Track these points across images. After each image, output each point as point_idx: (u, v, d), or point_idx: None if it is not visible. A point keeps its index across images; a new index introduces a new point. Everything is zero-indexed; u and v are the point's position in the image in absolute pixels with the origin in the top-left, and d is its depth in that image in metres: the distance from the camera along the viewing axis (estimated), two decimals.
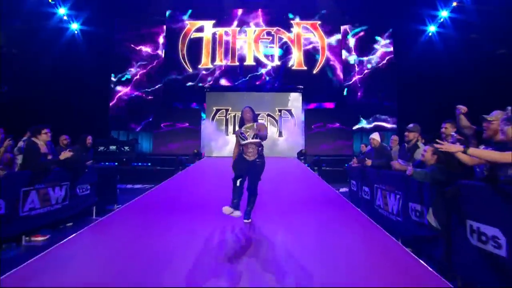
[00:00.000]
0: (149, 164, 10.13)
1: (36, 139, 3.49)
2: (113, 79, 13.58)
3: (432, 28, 11.15)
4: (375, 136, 3.79)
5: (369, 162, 3.39)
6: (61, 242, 2.58)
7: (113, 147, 10.98)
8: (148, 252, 2.32)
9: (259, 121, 3.13)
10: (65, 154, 3.52)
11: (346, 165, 5.11)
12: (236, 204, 2.80)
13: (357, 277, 1.83)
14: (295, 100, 13.85)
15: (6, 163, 3.33)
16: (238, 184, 2.81)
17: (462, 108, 2.45)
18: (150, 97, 13.65)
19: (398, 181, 2.86)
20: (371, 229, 2.94)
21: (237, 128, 2.99)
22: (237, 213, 2.76)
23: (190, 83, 14.06)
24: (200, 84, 14.08)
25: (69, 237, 2.76)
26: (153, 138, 12.13)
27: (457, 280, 2.10)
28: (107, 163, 8.31)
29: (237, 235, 2.72)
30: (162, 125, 12.36)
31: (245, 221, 2.95)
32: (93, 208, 4.40)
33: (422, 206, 2.53)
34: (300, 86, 14.15)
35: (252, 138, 2.85)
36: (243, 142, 2.88)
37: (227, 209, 2.72)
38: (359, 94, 13.88)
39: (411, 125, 3.11)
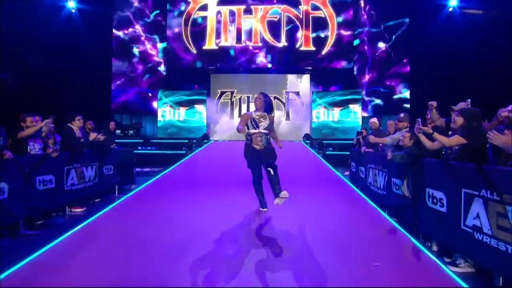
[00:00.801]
0: (155, 148, 11.05)
1: (71, 125, 4.34)
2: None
3: (453, 3, 11.27)
4: (374, 119, 4.54)
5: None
6: (101, 212, 3.45)
7: (118, 131, 11.82)
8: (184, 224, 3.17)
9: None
10: (93, 136, 4.38)
11: (353, 149, 5.83)
12: (264, 203, 3.19)
13: (346, 241, 2.63)
14: (303, 81, 14.34)
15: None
16: (256, 180, 3.02)
17: (433, 104, 3.10)
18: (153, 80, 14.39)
19: (384, 160, 3.61)
20: (361, 202, 3.75)
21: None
22: (266, 210, 3.16)
23: (193, 65, 14.67)
24: (204, 66, 14.67)
25: (112, 206, 3.68)
26: (157, 123, 12.91)
27: (420, 236, 2.91)
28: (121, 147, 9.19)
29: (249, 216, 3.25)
30: (163, 109, 12.95)
31: (282, 194, 2.66)
32: (115, 186, 5.33)
33: (400, 180, 3.29)
34: (308, 68, 14.57)
35: (264, 129, 2.92)
36: (253, 131, 2.87)
37: (261, 210, 3.12)
38: (370, 75, 14.23)
39: (401, 115, 3.81)
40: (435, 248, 2.75)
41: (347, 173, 6.54)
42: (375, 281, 1.95)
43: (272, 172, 2.83)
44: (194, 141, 9.91)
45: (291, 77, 14.66)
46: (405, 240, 2.72)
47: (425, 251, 2.50)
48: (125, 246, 2.47)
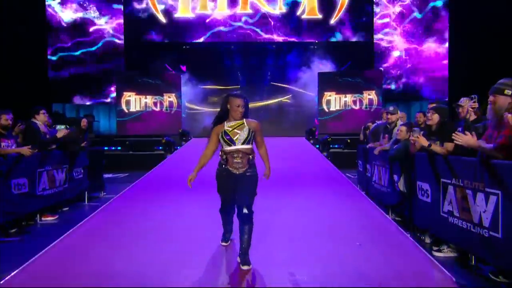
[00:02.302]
0: (119, 148, 12.03)
1: (35, 120, 5.36)
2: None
3: None
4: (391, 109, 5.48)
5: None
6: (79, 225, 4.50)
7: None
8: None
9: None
10: (62, 132, 5.40)
11: (359, 145, 7.05)
12: (228, 236, 3.29)
13: (340, 237, 3.82)
14: (307, 59, 15.56)
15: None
16: (226, 210, 3.02)
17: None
18: (106, 62, 15.21)
19: (386, 157, 4.82)
20: (363, 202, 4.97)
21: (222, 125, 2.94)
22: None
23: (163, 40, 15.56)
24: (177, 40, 15.65)
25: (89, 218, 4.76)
26: (117, 115, 13.75)
27: (415, 231, 4.13)
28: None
29: None
30: (125, 97, 13.76)
31: (243, 267, 2.72)
32: (85, 193, 6.37)
33: (397, 176, 4.51)
34: (314, 41, 15.78)
35: (243, 144, 2.76)
36: (228, 149, 2.79)
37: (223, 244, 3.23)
38: (393, 52, 15.58)
39: (391, 108, 5.03)
40: (427, 240, 3.96)
41: (354, 175, 7.77)
42: (359, 258, 3.13)
43: (244, 223, 2.75)
44: (168, 138, 10.94)
45: (292, 54, 15.86)
46: (392, 229, 3.93)
47: (414, 241, 3.71)
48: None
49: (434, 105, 4.02)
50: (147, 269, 2.91)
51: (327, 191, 5.50)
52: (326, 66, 15.51)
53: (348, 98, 14.32)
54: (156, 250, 3.35)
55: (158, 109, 13.81)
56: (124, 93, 13.70)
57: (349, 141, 10.02)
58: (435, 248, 3.69)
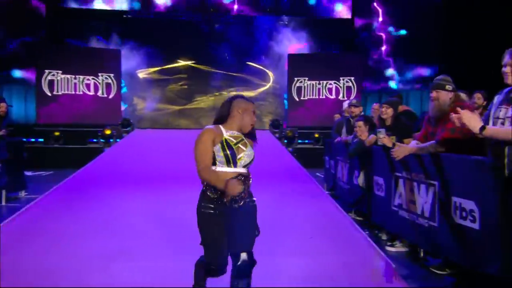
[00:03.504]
0: (40, 140, 12.14)
1: None
2: None
3: None
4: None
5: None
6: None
7: None
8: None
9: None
10: None
11: (326, 140, 7.91)
12: None
13: (292, 232, 4.56)
14: (279, 37, 16.31)
15: None
16: (217, 269, 2.57)
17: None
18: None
19: (347, 152, 5.66)
20: (322, 200, 5.79)
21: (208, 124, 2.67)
22: None
23: (94, 6, 15.57)
24: (118, 10, 15.76)
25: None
26: (37, 99, 13.68)
27: (373, 228, 4.98)
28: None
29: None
30: (47, 77, 13.64)
31: None
32: (2, 192, 6.69)
33: (358, 171, 5.36)
34: (284, 17, 16.58)
35: (244, 167, 2.52)
36: (225, 170, 2.45)
37: None
38: (379, 29, 16.69)
39: (354, 101, 5.89)
40: (384, 237, 4.82)
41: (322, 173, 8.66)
42: (310, 251, 3.90)
43: (241, 276, 2.44)
44: (109, 128, 11.27)
45: (259, 30, 16.50)
46: (347, 224, 4.76)
47: (365, 235, 4.55)
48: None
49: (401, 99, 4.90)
50: (85, 266, 3.47)
51: (286, 190, 6.24)
52: (299, 47, 16.29)
53: (323, 86, 15.23)
54: (95, 246, 3.92)
55: (92, 92, 13.98)
56: (46, 71, 13.67)
57: (317, 135, 10.90)
58: (388, 244, 4.54)
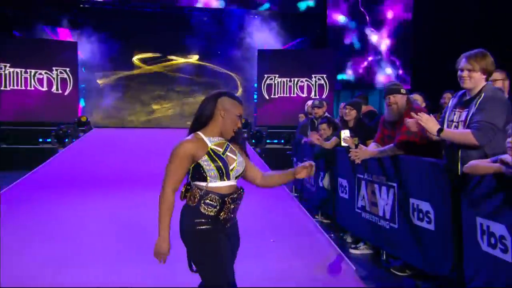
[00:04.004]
0: None
1: None
2: None
3: None
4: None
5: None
6: None
7: None
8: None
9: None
10: None
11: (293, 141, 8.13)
12: None
13: (255, 235, 4.71)
14: (248, 31, 16.44)
15: None
16: None
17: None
18: None
19: (312, 153, 5.87)
20: (287, 203, 5.98)
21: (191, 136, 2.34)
22: None
23: None
24: None
25: None
26: None
27: (338, 231, 5.21)
28: None
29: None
30: None
31: None
32: None
33: (324, 173, 5.57)
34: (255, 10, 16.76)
35: (237, 178, 2.38)
36: (224, 184, 2.28)
37: None
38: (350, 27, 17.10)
39: (317, 102, 6.11)
40: (349, 239, 5.05)
41: None
42: (270, 254, 4.06)
43: None
44: (64, 128, 11.10)
45: (226, 25, 16.61)
46: (310, 227, 4.97)
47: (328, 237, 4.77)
48: None
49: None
50: (34, 272, 3.51)
51: (250, 192, 6.32)
52: (269, 42, 16.49)
53: (294, 83, 15.49)
54: (45, 252, 3.95)
55: (45, 88, 13.69)
56: None
57: (285, 136, 11.11)
58: (352, 246, 4.77)
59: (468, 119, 3.10)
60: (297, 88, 15.50)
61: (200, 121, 2.34)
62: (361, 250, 4.70)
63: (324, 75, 15.48)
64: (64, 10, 15.20)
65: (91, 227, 4.84)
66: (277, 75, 15.42)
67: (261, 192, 6.76)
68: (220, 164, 2.25)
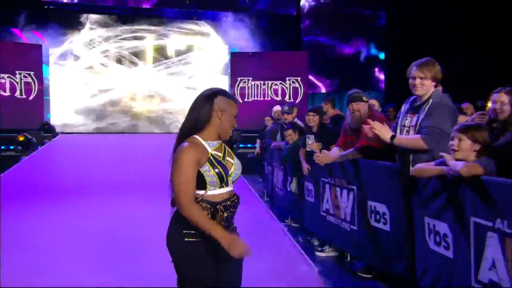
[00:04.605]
0: None
1: None
2: None
3: None
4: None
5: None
6: None
7: None
8: None
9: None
10: None
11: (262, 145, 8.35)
12: None
13: None
14: (212, 35, 16.67)
15: None
16: None
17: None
18: None
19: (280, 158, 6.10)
20: (256, 207, 6.19)
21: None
22: None
23: None
24: None
25: None
26: None
27: (306, 234, 5.44)
28: None
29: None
30: None
31: None
32: None
33: (291, 177, 5.81)
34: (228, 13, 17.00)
35: (235, 181, 2.33)
36: (216, 193, 2.21)
37: None
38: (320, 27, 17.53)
39: (286, 108, 6.37)
40: (316, 242, 5.28)
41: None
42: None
43: None
44: (27, 134, 11.01)
45: (192, 26, 16.74)
46: (277, 231, 5.19)
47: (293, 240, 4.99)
48: None
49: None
50: None
51: None
52: (242, 44, 16.73)
53: (268, 86, 15.75)
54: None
55: (7, 93, 13.55)
56: None
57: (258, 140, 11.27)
58: (318, 249, 5.01)
59: (418, 124, 3.38)
60: (271, 91, 15.75)
61: (196, 125, 2.21)
62: (327, 252, 4.93)
63: (299, 78, 15.79)
64: (29, 11, 15.07)
65: (50, 236, 4.92)
66: (250, 78, 15.64)
67: None
68: (221, 170, 2.17)
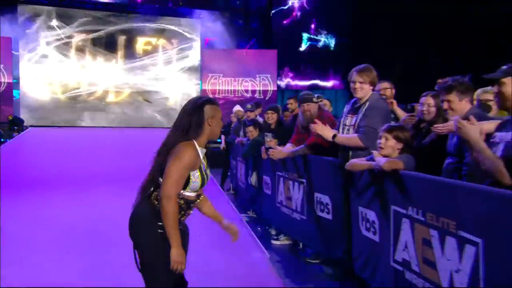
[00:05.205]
0: None
1: None
2: None
3: None
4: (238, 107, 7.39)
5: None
6: None
7: None
8: None
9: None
10: None
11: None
12: None
13: None
14: (189, 28, 16.74)
15: None
16: None
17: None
18: None
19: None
20: (218, 199, 6.47)
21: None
22: None
23: None
24: None
25: None
26: None
27: (264, 225, 5.77)
28: None
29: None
30: None
31: None
32: None
33: (252, 171, 6.12)
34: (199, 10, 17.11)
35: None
36: (192, 195, 2.42)
37: None
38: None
39: (249, 106, 6.69)
40: (273, 232, 5.62)
41: None
42: (197, 247, 4.52)
43: None
44: None
45: (165, 21, 16.80)
46: (236, 220, 5.50)
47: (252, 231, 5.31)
48: None
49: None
50: None
51: None
52: (214, 41, 16.89)
53: (239, 83, 16.02)
54: None
55: None
56: None
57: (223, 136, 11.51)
58: (274, 238, 5.34)
59: (356, 124, 3.73)
60: (241, 88, 16.03)
61: (187, 132, 2.32)
62: (282, 241, 5.27)
63: (268, 75, 16.12)
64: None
65: (15, 228, 5.07)
66: (221, 75, 15.87)
67: None
68: (205, 178, 2.38)
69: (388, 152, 3.11)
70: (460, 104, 3.07)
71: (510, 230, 1.96)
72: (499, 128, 2.42)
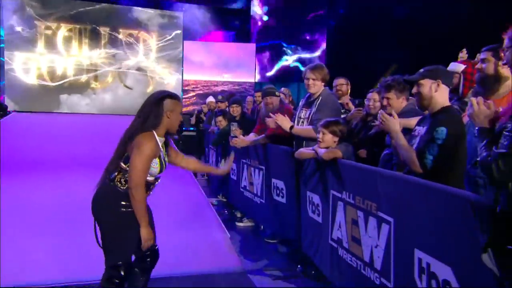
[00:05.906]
0: None
1: None
2: None
3: None
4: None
5: None
6: None
7: None
8: None
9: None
10: None
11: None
12: None
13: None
14: (171, 20, 16.76)
15: None
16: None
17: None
18: None
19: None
20: (188, 185, 6.70)
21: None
22: None
23: None
24: None
25: None
26: None
27: (232, 209, 6.02)
28: None
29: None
30: None
31: None
32: None
33: (221, 158, 6.35)
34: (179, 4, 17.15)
35: None
36: (152, 179, 2.63)
37: None
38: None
39: (220, 97, 6.95)
40: (239, 215, 5.87)
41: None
42: (164, 229, 4.75)
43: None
44: None
45: (147, 13, 16.80)
46: (203, 206, 5.75)
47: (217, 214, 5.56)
48: None
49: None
50: None
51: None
52: (194, 34, 16.95)
53: (219, 75, 16.20)
54: None
55: None
56: None
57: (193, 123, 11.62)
58: (238, 220, 5.60)
59: (310, 116, 3.98)
60: (221, 80, 16.20)
61: (145, 123, 2.50)
62: (245, 223, 5.54)
63: (247, 68, 16.34)
64: None
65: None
66: (201, 67, 16.02)
67: (167, 175, 7.47)
68: (164, 165, 2.59)
69: (326, 146, 3.36)
70: (398, 101, 3.34)
71: (415, 211, 2.24)
72: (418, 123, 2.69)
